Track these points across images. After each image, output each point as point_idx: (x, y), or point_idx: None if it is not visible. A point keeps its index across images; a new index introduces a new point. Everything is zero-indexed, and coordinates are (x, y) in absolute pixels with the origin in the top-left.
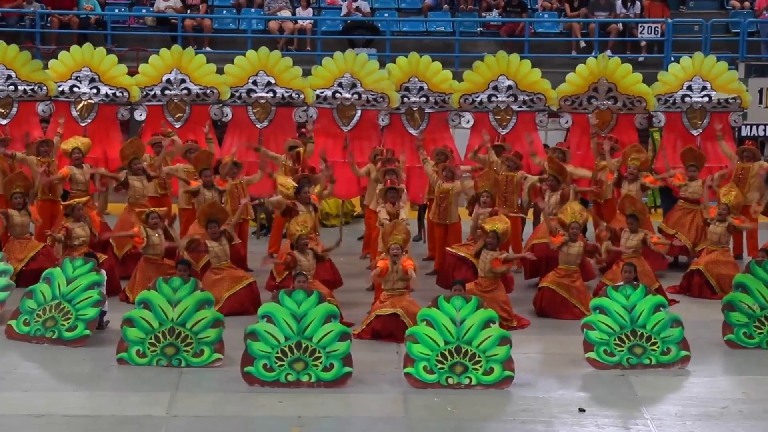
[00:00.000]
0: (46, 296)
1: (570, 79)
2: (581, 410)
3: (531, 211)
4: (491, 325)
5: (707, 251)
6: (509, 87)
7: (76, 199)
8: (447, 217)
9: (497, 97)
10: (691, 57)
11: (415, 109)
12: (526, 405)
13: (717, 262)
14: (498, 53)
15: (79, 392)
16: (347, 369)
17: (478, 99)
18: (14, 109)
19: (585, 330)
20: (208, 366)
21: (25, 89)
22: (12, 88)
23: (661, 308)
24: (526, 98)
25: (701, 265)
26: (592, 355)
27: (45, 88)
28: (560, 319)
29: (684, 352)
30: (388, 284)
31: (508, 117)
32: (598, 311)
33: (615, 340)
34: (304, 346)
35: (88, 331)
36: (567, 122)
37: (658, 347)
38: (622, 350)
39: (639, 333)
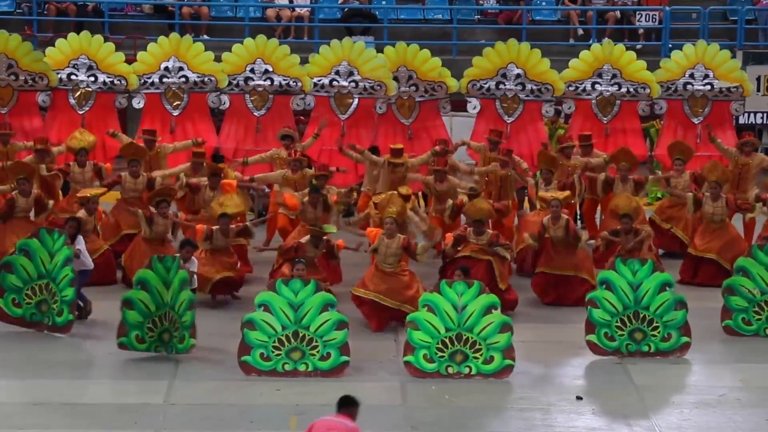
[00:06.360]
0: (30, 272)
1: (574, 64)
2: (579, 398)
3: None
4: (493, 311)
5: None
6: (518, 75)
7: (93, 191)
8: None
9: (505, 85)
10: (694, 45)
11: (405, 98)
12: (523, 393)
13: (709, 233)
14: (509, 41)
15: (77, 380)
16: (344, 358)
17: (486, 85)
18: (14, 99)
19: (589, 307)
20: (188, 353)
21: (26, 79)
22: (13, 77)
23: (668, 287)
24: (534, 87)
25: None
26: (592, 337)
27: (46, 78)
28: (568, 301)
29: (684, 339)
30: (379, 258)
31: (515, 105)
32: (604, 286)
33: (617, 321)
34: (301, 335)
35: (71, 315)
36: (570, 108)
37: (658, 332)
38: (623, 335)
39: (641, 315)
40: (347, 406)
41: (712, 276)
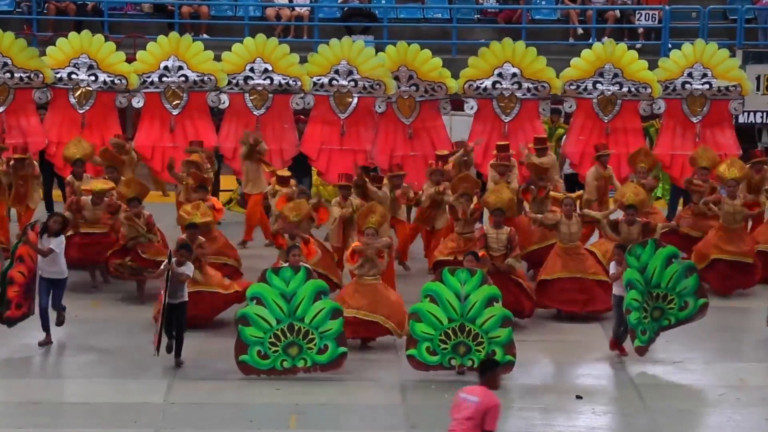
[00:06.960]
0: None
1: (575, 63)
2: (579, 398)
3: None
4: (494, 303)
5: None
6: (514, 74)
7: (99, 186)
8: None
9: (502, 84)
10: (692, 44)
11: (405, 98)
12: (523, 392)
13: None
14: (504, 40)
15: (77, 380)
16: (342, 349)
17: (483, 85)
18: (11, 97)
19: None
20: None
21: (21, 76)
22: (8, 75)
23: (674, 259)
24: (531, 86)
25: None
26: (637, 342)
27: (41, 75)
28: (584, 307)
29: (701, 300)
30: (363, 269)
31: (512, 104)
32: (629, 287)
33: (643, 314)
34: (296, 328)
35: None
36: (571, 107)
37: (675, 304)
38: (648, 321)
39: (654, 294)
40: (486, 371)
41: (749, 277)
